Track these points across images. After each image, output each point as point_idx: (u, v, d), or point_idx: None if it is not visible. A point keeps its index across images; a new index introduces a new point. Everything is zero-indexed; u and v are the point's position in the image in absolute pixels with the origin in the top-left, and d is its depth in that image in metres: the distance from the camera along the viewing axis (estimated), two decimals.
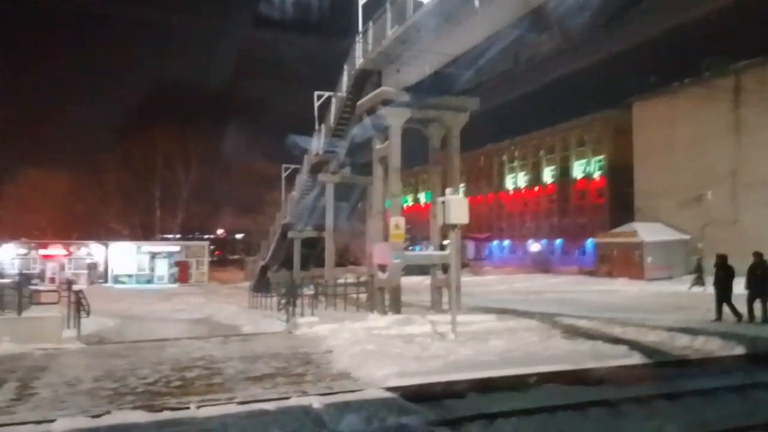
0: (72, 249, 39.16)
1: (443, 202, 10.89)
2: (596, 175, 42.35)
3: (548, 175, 47.14)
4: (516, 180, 51.05)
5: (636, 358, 8.57)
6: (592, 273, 34.59)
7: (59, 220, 47.81)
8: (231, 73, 55.87)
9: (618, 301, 18.71)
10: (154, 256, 40.37)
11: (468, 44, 12.31)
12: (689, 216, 31.08)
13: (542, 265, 42.31)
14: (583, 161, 43.38)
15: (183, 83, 65.85)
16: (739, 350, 9.26)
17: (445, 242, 15.44)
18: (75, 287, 16.69)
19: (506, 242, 52.47)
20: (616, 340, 10.04)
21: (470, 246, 48.64)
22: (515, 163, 51.13)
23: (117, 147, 51.18)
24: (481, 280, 27.46)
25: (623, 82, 36.73)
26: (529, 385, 7.45)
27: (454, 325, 10.74)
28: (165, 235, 48.27)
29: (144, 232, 48.27)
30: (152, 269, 39.92)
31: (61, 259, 38.25)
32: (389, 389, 6.90)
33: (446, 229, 15.44)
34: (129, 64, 72.72)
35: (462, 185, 15.51)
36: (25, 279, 18.67)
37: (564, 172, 45.25)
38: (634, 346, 9.36)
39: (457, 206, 10.61)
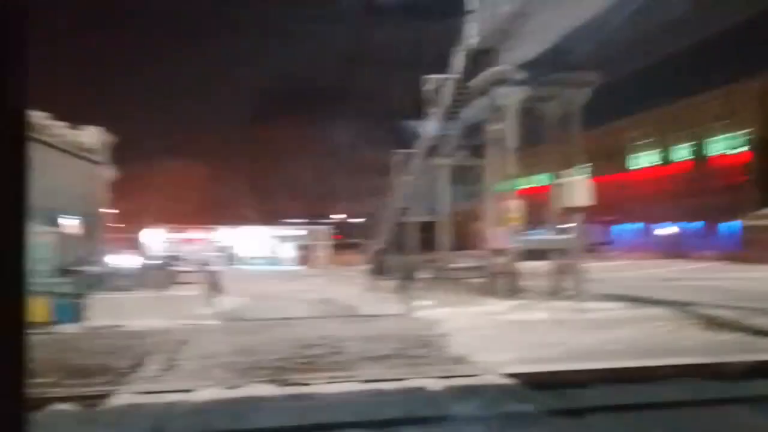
0: (207, 233, 42.54)
1: (563, 184, 10.47)
2: (738, 150, 38.36)
3: (680, 152, 43.48)
4: (644, 158, 47.61)
5: None
6: (732, 259, 31.58)
7: (196, 206, 52.10)
8: (342, 62, 57.00)
9: (762, 289, 16.94)
10: (279, 239, 42.78)
11: (586, 15, 11.63)
12: None
13: (675, 250, 39.25)
14: (722, 136, 39.48)
15: (301, 76, 68.46)
16: None
17: (565, 225, 14.84)
18: (210, 269, 18.12)
19: (634, 226, 49.23)
20: (758, 332, 9.12)
21: (594, 230, 46.26)
22: (642, 141, 47.64)
23: (245, 139, 54.85)
24: (607, 266, 25.98)
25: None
26: (655, 377, 6.98)
27: (576, 312, 10.34)
28: (289, 220, 50.97)
29: (269, 217, 51.31)
30: (278, 252, 42.31)
31: (197, 242, 41.66)
32: (507, 375, 6.79)
33: (567, 212, 14.88)
34: (251, 62, 76.38)
35: (585, 165, 14.75)
36: (167, 261, 20.52)
37: (699, 149, 41.52)
38: None
39: (579, 188, 10.17)
